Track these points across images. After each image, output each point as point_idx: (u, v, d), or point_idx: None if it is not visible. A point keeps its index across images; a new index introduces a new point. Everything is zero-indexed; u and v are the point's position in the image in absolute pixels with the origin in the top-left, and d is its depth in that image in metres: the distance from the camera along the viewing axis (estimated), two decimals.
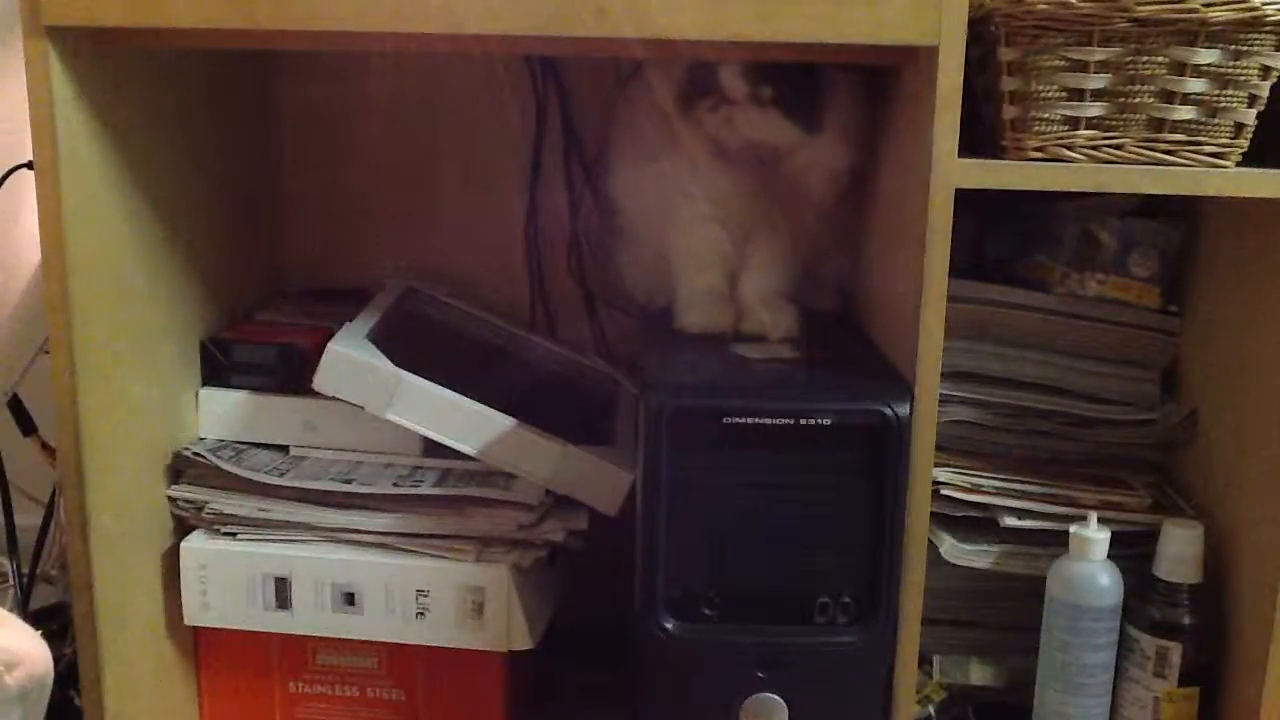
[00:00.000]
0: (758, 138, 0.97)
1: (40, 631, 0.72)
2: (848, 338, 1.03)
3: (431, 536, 0.96)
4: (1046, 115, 0.83)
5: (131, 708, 0.93)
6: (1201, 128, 0.83)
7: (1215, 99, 0.82)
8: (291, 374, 1.03)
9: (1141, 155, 0.84)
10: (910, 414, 0.83)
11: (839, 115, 0.97)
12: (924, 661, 0.99)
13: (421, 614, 0.96)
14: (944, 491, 0.94)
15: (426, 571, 0.96)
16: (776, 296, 1.04)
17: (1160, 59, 0.81)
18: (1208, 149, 0.84)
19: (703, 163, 1.00)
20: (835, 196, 1.02)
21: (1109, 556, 0.91)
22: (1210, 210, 0.99)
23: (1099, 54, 0.81)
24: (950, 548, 0.95)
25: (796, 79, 0.95)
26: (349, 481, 0.99)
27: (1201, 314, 1.00)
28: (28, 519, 1.16)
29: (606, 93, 1.18)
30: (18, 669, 0.63)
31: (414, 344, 1.06)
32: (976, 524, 0.96)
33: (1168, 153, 0.83)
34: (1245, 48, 0.81)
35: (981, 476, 0.96)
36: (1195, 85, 0.82)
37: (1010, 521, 0.95)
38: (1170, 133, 0.83)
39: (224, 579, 0.97)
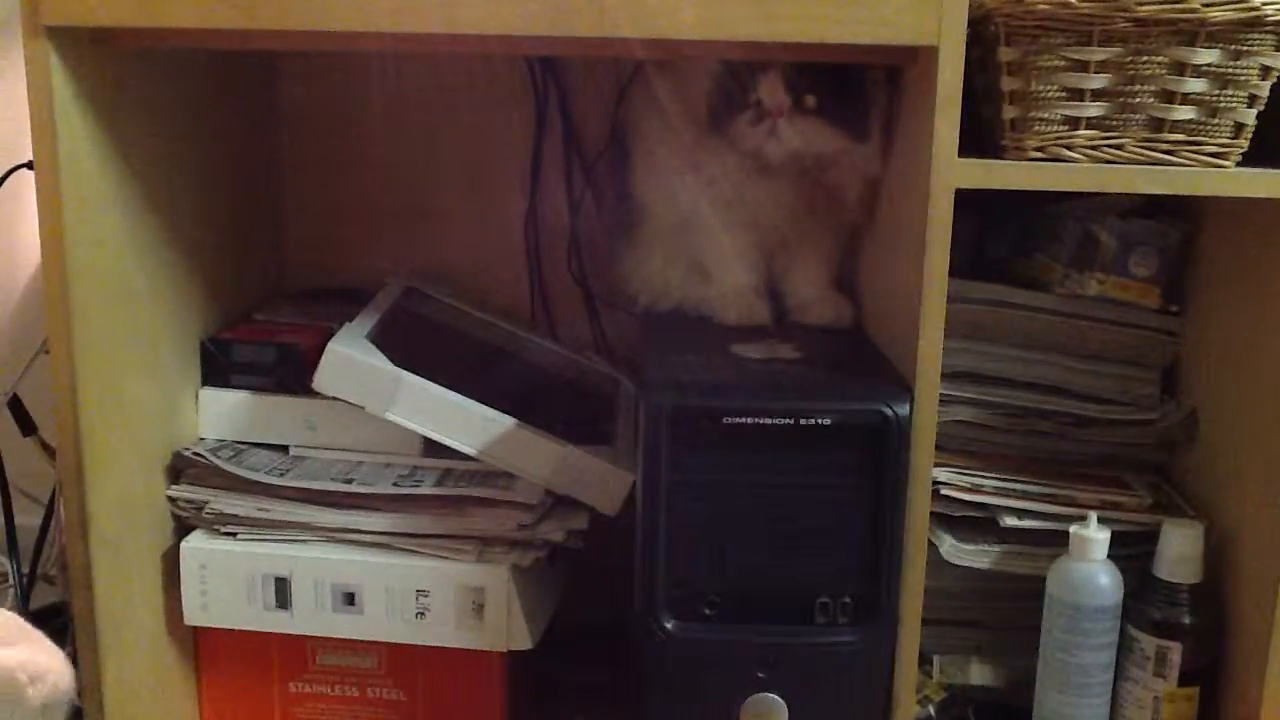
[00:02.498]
0: (804, 148, 0.96)
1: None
2: (848, 338, 1.03)
3: (431, 536, 0.96)
4: (1046, 115, 0.83)
5: (132, 708, 0.93)
6: (1201, 128, 0.83)
7: (1215, 99, 0.82)
8: (291, 374, 1.03)
9: (1141, 155, 0.84)
10: (910, 414, 0.83)
11: (880, 119, 0.96)
12: (924, 661, 0.99)
13: (421, 614, 0.96)
14: (944, 491, 0.94)
15: (426, 571, 0.96)
16: (828, 288, 1.06)
17: (1160, 59, 0.81)
18: (1208, 149, 0.84)
19: (738, 175, 1.00)
20: (870, 201, 1.01)
21: (1109, 556, 0.91)
22: (1210, 210, 0.99)
23: (1099, 54, 0.81)
24: (950, 548, 0.95)
25: (839, 84, 0.94)
26: (349, 481, 0.99)
27: (1201, 314, 1.00)
28: (28, 519, 1.16)
29: (613, 91, 1.18)
30: (40, 683, 0.63)
31: (414, 344, 1.06)
32: (976, 524, 0.96)
33: (1168, 153, 0.84)
34: (1245, 48, 0.81)
35: (981, 476, 0.96)
36: (1195, 85, 0.82)
37: (1010, 521, 0.95)
38: (1170, 133, 0.83)
39: (224, 579, 0.97)
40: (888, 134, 0.96)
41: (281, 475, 0.99)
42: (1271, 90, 0.83)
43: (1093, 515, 0.92)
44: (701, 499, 0.84)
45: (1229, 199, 0.88)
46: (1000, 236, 1.08)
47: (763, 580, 0.86)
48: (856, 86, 0.95)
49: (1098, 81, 0.82)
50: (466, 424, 0.98)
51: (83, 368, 0.85)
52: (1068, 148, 0.83)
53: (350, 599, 0.97)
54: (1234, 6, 0.79)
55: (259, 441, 1.04)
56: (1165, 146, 0.83)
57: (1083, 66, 0.82)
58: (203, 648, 1.02)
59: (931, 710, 0.98)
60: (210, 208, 1.06)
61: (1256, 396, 0.91)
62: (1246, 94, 0.83)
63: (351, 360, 0.97)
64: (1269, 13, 0.79)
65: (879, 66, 0.94)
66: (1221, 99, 0.82)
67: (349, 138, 1.23)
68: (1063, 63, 0.82)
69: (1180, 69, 0.81)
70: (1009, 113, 0.84)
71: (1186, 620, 0.91)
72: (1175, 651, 0.91)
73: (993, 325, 1.00)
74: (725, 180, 1.01)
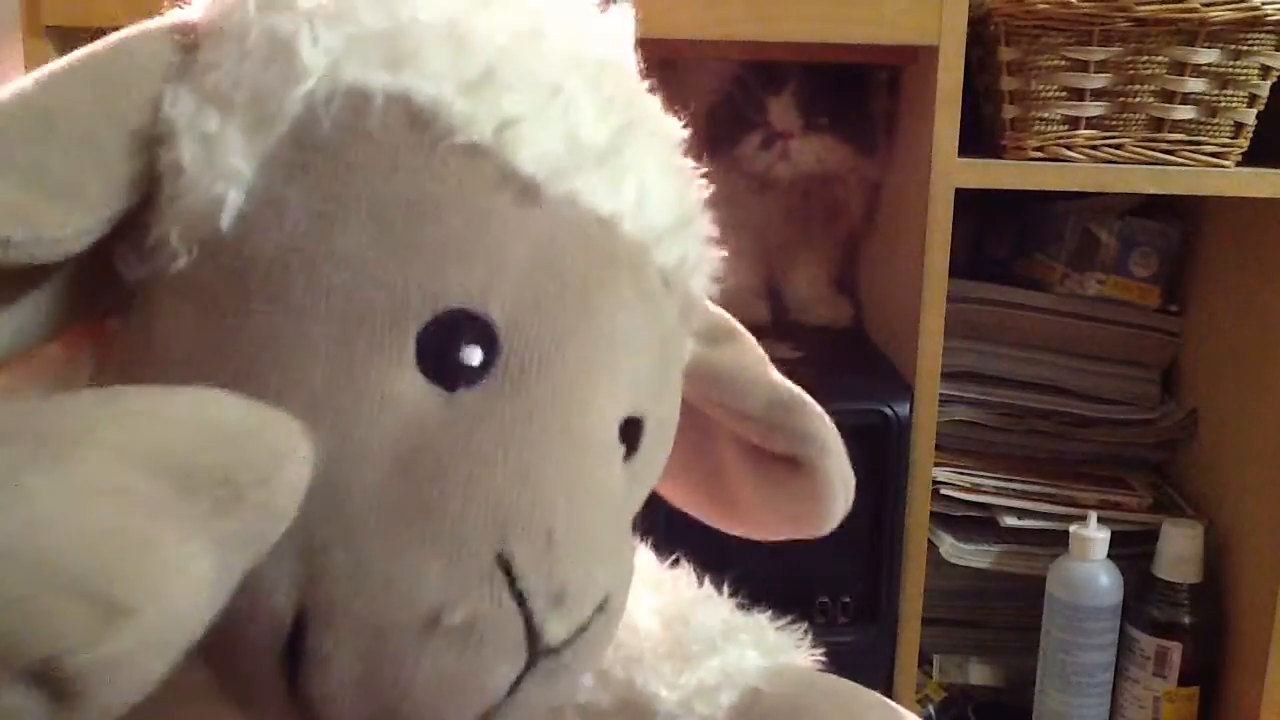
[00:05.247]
0: (816, 168, 0.95)
1: None
2: (848, 338, 1.03)
3: None
4: (1046, 115, 0.83)
5: None
6: (1201, 128, 0.83)
7: (1215, 99, 0.82)
8: None
9: (1141, 155, 0.84)
10: (910, 414, 0.83)
11: (885, 130, 0.96)
12: (924, 661, 0.99)
13: None
14: (944, 491, 0.94)
15: None
16: (828, 288, 1.05)
17: (1160, 59, 0.81)
18: (1208, 149, 0.84)
19: (739, 183, 0.99)
20: (871, 205, 1.01)
21: (1109, 556, 0.91)
22: (1210, 210, 0.99)
23: (1099, 54, 0.81)
24: (950, 548, 0.95)
25: (847, 100, 0.94)
26: None
27: (1201, 314, 1.00)
28: None
29: None
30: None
31: None
32: (976, 524, 0.96)
33: (1168, 153, 0.83)
34: (1245, 48, 0.81)
35: (981, 476, 0.96)
36: (1195, 85, 0.82)
37: (1010, 521, 0.95)
38: (1170, 133, 0.83)
39: None
40: (889, 141, 0.96)
41: None
42: (1271, 90, 0.83)
43: (1093, 515, 0.92)
44: None
45: (1229, 199, 0.88)
46: (1000, 236, 1.08)
47: (762, 580, 0.86)
48: (863, 100, 0.95)
49: (1098, 81, 0.82)
50: None
51: None
52: (1068, 148, 0.83)
53: None
54: (1234, 6, 0.79)
55: None
56: (1165, 146, 0.83)
57: (1083, 66, 0.81)
58: None
59: (931, 710, 0.98)
60: None
61: (1256, 396, 0.91)
62: (1246, 94, 0.83)
63: None
64: (1269, 13, 0.79)
65: (881, 77, 0.94)
66: (1221, 99, 0.82)
67: None
68: (1063, 63, 0.82)
69: (1180, 69, 0.81)
70: (1009, 113, 0.84)
71: (1186, 620, 0.91)
72: (1175, 651, 0.91)
73: (993, 325, 1.00)
74: (725, 186, 1.00)
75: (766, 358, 0.47)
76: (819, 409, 0.46)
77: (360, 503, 0.30)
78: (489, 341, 0.32)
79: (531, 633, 0.31)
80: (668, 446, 0.41)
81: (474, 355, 0.32)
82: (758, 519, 0.49)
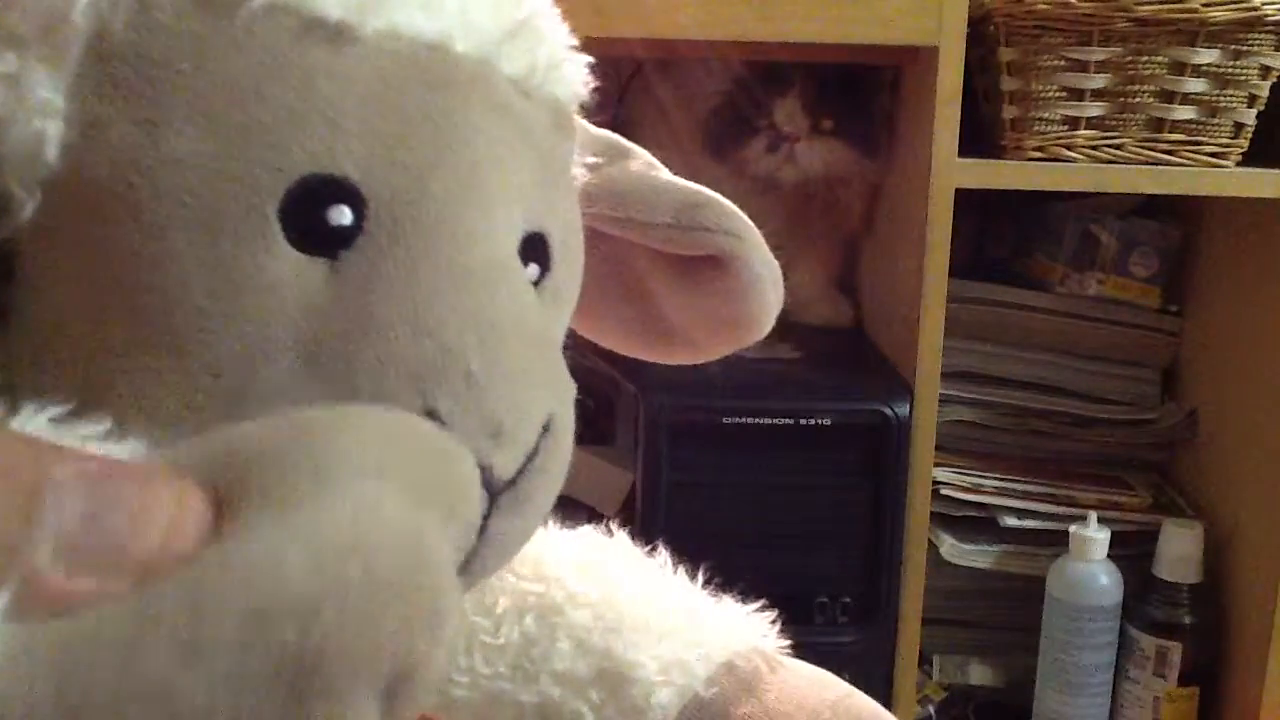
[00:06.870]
0: (822, 171, 0.95)
1: None
2: (848, 338, 1.03)
3: None
4: (1046, 115, 0.83)
5: None
6: (1201, 128, 0.83)
7: (1215, 99, 0.82)
8: None
9: (1141, 155, 0.84)
10: (910, 414, 0.83)
11: (887, 132, 0.96)
12: (924, 661, 0.99)
13: None
14: (944, 491, 0.94)
15: None
16: (828, 287, 1.05)
17: (1160, 59, 0.81)
18: (1208, 149, 0.84)
19: (739, 183, 0.99)
20: (871, 205, 1.01)
21: (1109, 556, 0.91)
22: (1210, 210, 0.99)
23: (1099, 54, 0.81)
24: (950, 548, 0.95)
25: (852, 102, 0.94)
26: None
27: (1201, 314, 1.00)
28: None
29: (613, 89, 1.18)
30: None
31: None
32: (976, 524, 0.96)
33: (1168, 153, 0.83)
34: (1245, 48, 0.81)
35: (981, 476, 0.96)
36: (1195, 85, 0.82)
37: (1010, 521, 0.95)
38: (1170, 133, 0.83)
39: None
40: (890, 142, 0.96)
41: None
42: (1271, 90, 0.83)
43: (1093, 515, 0.92)
44: (701, 499, 0.84)
45: (1229, 199, 0.88)
46: (1000, 236, 1.08)
47: (762, 580, 0.86)
48: (866, 102, 0.95)
49: (1098, 81, 0.82)
50: None
51: None
52: (1068, 148, 0.83)
53: None
54: (1234, 6, 0.79)
55: None
56: (1165, 146, 0.83)
57: (1083, 66, 0.81)
58: None
59: (931, 710, 0.98)
60: None
61: (1256, 396, 0.91)
62: (1246, 94, 0.83)
63: None
64: (1269, 13, 0.79)
65: (884, 79, 0.94)
66: (1221, 99, 0.82)
67: None
68: (1063, 63, 0.82)
69: (1180, 69, 0.81)
70: (1009, 113, 0.84)
71: (1186, 620, 0.91)
72: (1175, 651, 0.91)
73: (993, 325, 1.00)
74: (727, 187, 1.00)
75: (660, 164, 0.46)
76: (726, 200, 0.46)
77: (278, 404, 0.30)
78: (354, 200, 0.32)
79: (481, 472, 0.31)
80: (579, 261, 0.41)
81: (343, 215, 0.31)
82: (694, 337, 0.49)
